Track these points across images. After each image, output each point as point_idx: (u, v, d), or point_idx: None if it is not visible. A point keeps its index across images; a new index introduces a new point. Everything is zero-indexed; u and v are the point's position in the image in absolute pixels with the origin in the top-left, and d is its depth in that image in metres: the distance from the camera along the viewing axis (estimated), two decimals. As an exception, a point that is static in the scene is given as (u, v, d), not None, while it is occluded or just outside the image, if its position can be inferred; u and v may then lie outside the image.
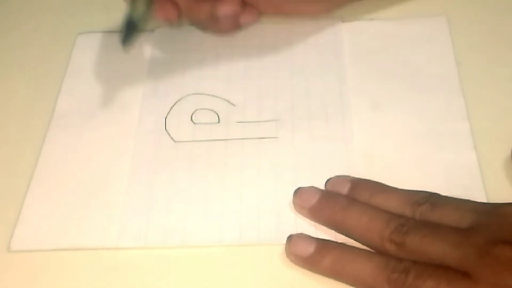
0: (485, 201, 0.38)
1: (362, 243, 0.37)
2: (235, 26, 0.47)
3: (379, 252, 0.36)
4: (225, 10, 0.45)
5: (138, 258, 0.38)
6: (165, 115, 0.45)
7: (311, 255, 0.36)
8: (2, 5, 0.54)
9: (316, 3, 0.47)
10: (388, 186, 0.39)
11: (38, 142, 0.44)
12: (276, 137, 0.43)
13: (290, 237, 0.37)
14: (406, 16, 0.49)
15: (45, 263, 0.38)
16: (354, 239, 0.37)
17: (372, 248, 0.36)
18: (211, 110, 0.45)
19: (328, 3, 0.48)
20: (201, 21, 0.45)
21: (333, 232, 0.38)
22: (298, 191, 0.39)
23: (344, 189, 0.39)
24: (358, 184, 0.39)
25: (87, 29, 0.51)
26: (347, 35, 0.48)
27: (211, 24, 0.46)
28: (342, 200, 0.38)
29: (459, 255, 0.33)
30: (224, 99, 0.45)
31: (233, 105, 0.45)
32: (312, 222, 0.38)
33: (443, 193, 0.37)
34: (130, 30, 0.42)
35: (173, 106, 0.45)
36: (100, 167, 0.42)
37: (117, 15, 0.52)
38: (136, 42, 0.42)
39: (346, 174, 0.40)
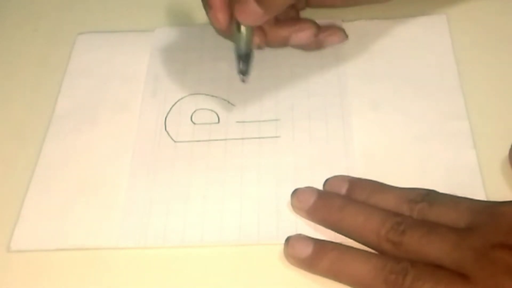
0: (485, 200, 0.38)
1: (360, 243, 0.37)
2: (317, 48, 0.47)
3: (377, 251, 0.36)
4: (299, 38, 0.45)
5: (138, 258, 0.38)
6: (165, 115, 0.45)
7: (309, 257, 0.36)
8: (2, 5, 0.54)
9: None
10: (386, 185, 0.39)
11: (38, 142, 0.44)
12: (276, 137, 0.43)
13: (288, 239, 0.37)
14: (406, 16, 0.49)
15: (45, 263, 0.38)
16: (352, 239, 0.37)
17: (370, 248, 0.36)
18: (211, 110, 0.45)
19: None
20: (278, 46, 0.45)
21: (332, 231, 0.38)
22: (296, 193, 0.39)
23: (342, 189, 0.39)
24: (356, 183, 0.39)
25: (87, 29, 0.51)
26: (347, 34, 0.48)
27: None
28: (339, 200, 0.38)
29: (457, 257, 0.33)
30: (224, 99, 0.45)
31: (233, 105, 0.45)
32: (312, 222, 0.38)
33: (443, 192, 0.37)
34: (242, 61, 0.43)
35: (172, 106, 0.45)
36: (100, 167, 0.42)
37: (117, 15, 0.52)
38: (250, 69, 0.43)
39: (346, 174, 0.40)
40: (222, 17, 0.41)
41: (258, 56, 0.47)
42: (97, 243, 0.39)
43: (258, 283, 0.37)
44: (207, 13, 0.43)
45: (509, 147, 0.40)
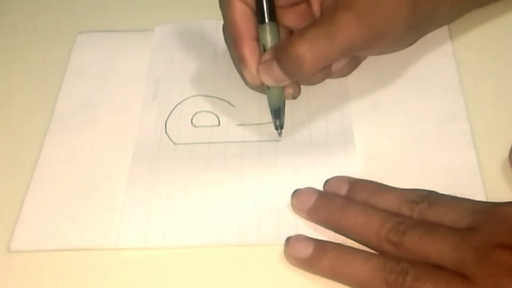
0: (485, 200, 0.38)
1: (360, 243, 0.37)
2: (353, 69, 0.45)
3: (377, 251, 0.36)
4: (338, 65, 0.43)
5: (138, 258, 0.38)
6: (165, 118, 0.45)
7: (309, 257, 0.36)
8: (2, 4, 0.54)
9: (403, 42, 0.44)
10: (386, 186, 0.39)
11: (38, 142, 0.44)
12: (276, 140, 0.43)
13: (288, 239, 0.37)
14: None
15: (45, 263, 0.38)
16: (352, 239, 0.37)
17: (370, 248, 0.36)
18: (212, 112, 0.45)
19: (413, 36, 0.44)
20: (317, 81, 0.44)
21: (332, 232, 0.38)
22: (296, 193, 0.39)
23: (343, 190, 0.39)
24: (356, 184, 0.39)
25: (87, 28, 0.51)
26: None
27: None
28: (339, 200, 0.38)
29: (457, 257, 0.33)
30: (224, 100, 0.45)
31: (233, 106, 0.45)
32: (312, 223, 0.38)
33: (443, 192, 0.37)
34: (277, 115, 0.42)
35: (173, 109, 0.45)
36: (100, 167, 0.42)
37: (116, 14, 0.52)
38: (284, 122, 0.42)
39: (346, 175, 0.40)
40: (256, 74, 0.41)
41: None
42: (97, 244, 0.39)
43: (258, 284, 0.37)
44: (239, 69, 0.43)
45: (509, 147, 0.40)
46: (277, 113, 0.42)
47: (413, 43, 0.45)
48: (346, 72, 0.45)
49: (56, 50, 0.50)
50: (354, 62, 0.45)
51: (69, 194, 0.41)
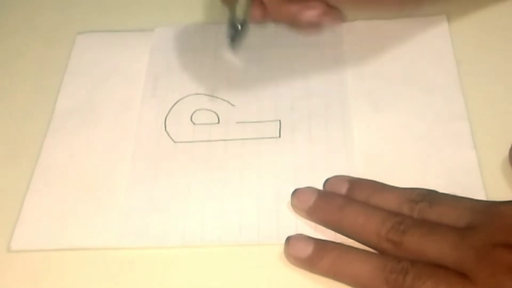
0: (485, 200, 0.38)
1: (360, 243, 0.37)
2: (318, 29, 0.45)
3: (377, 251, 0.36)
4: (309, 15, 0.43)
5: (138, 258, 0.38)
6: (165, 116, 0.45)
7: (309, 256, 0.36)
8: (2, 4, 0.54)
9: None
10: (386, 185, 0.39)
11: (38, 142, 0.44)
12: (276, 138, 0.43)
13: (288, 239, 0.37)
14: (406, 16, 0.49)
15: (45, 263, 0.38)
16: (352, 239, 0.37)
17: (370, 247, 0.36)
18: (211, 110, 0.45)
19: None
20: (284, 22, 0.44)
21: (332, 231, 0.38)
22: (296, 192, 0.39)
23: (343, 189, 0.39)
24: (356, 184, 0.39)
25: (87, 28, 0.51)
26: (347, 35, 0.48)
27: (294, 26, 0.45)
28: (339, 200, 0.38)
29: (458, 256, 0.33)
30: (224, 99, 0.45)
31: (233, 105, 0.45)
32: (312, 222, 0.38)
33: (443, 192, 0.37)
34: (235, 33, 0.42)
35: (172, 107, 0.45)
36: (100, 167, 0.42)
37: (116, 14, 0.52)
38: (242, 43, 0.42)
39: (346, 174, 0.40)
40: None
41: (259, 57, 0.47)
42: (97, 243, 0.39)
43: (258, 283, 0.37)
44: None
45: (509, 147, 0.40)
46: (238, 28, 0.42)
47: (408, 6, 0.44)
48: (313, 20, 0.44)
49: (56, 50, 0.50)
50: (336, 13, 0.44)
51: (69, 194, 0.41)
